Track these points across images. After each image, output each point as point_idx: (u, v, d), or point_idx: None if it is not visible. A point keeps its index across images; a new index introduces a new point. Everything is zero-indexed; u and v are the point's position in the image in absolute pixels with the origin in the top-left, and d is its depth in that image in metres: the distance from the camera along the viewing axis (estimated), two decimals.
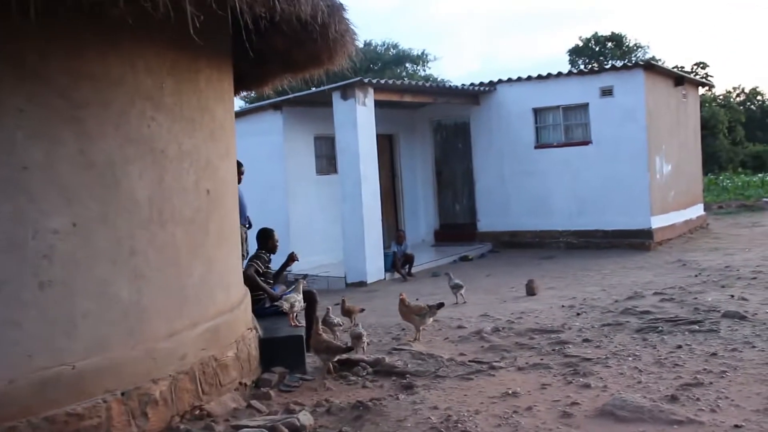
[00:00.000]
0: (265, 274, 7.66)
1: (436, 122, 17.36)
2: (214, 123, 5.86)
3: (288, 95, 13.33)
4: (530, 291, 10.48)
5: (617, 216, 14.72)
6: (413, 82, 13.84)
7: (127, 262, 4.67)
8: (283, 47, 6.48)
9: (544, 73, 15.42)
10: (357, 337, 7.13)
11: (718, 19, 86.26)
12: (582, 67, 36.87)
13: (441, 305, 7.97)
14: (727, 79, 77.82)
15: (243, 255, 8.54)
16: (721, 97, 43.26)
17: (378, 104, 14.87)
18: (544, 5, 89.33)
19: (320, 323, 7.16)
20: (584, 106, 15.06)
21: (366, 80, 12.62)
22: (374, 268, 12.87)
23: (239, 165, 9.52)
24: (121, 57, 4.69)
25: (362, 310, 9.32)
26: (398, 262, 13.36)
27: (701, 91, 20.94)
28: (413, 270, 13.57)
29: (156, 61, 5.04)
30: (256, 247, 8.04)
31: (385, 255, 13.40)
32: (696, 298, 8.84)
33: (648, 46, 49.83)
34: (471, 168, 16.70)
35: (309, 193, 14.21)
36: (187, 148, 5.43)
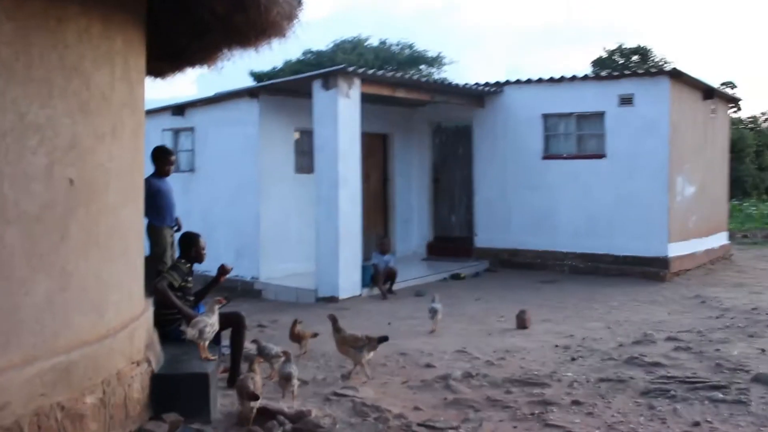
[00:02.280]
0: (182, 289, 6.17)
1: (436, 124, 15.80)
2: (88, 91, 4.38)
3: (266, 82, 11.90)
4: (521, 323, 8.93)
5: (630, 240, 13.11)
6: (407, 76, 12.31)
7: None
8: (223, 11, 5.03)
9: (557, 76, 13.84)
10: (285, 378, 5.65)
11: (749, 40, 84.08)
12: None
13: (384, 339, 6.50)
14: (755, 102, 75.61)
15: (165, 263, 7.07)
16: (749, 119, 41.48)
17: (371, 99, 13.36)
18: (569, 21, 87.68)
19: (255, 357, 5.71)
20: (600, 115, 13.47)
21: (351, 69, 11.10)
22: (348, 282, 11.33)
23: (167, 153, 8.03)
24: None
25: (315, 335, 7.82)
26: (380, 276, 11.82)
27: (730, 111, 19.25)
28: (395, 287, 12.02)
29: None
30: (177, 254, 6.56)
31: (364, 267, 11.85)
32: (718, 349, 7.26)
33: (674, 63, 48.16)
34: (471, 176, 15.13)
35: (285, 193, 12.68)
36: (34, 121, 3.96)
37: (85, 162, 4.34)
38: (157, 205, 7.28)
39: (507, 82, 14.43)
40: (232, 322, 6.19)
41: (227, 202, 12.92)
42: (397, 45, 39.24)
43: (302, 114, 11.95)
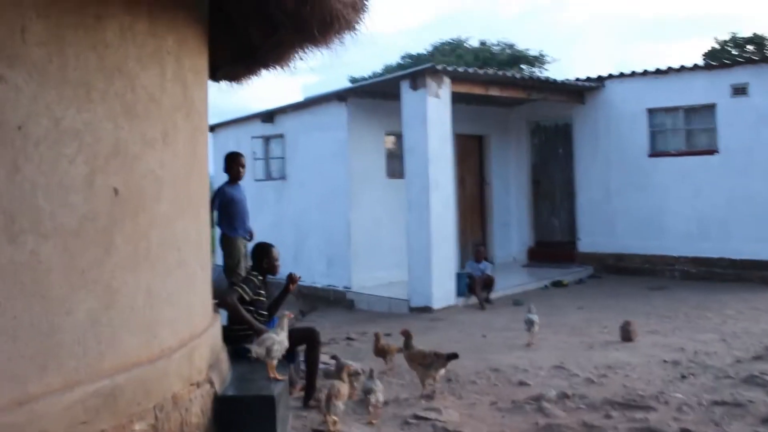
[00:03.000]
0: (254, 303, 5.81)
1: (534, 124, 15.11)
2: (133, 93, 4.07)
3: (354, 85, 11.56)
4: (626, 335, 8.21)
5: (747, 243, 12.09)
6: (500, 72, 11.69)
7: None
8: (292, 6, 4.68)
9: (663, 67, 12.93)
10: (366, 392, 5.25)
11: None
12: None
13: (453, 356, 5.97)
14: None
15: (240, 274, 6.78)
16: None
17: (465, 100, 12.88)
18: (679, 12, 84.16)
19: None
20: (710, 108, 12.50)
21: (440, 67, 10.60)
22: (442, 291, 10.83)
23: (236, 157, 7.75)
24: None
25: (401, 350, 7.35)
26: (477, 284, 11.27)
27: None
28: (492, 295, 11.43)
29: None
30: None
31: (459, 275, 11.33)
32: None
33: None
34: (572, 177, 14.36)
35: (376, 199, 12.31)
36: (71, 126, 3.66)
37: (131, 170, 4.03)
38: (230, 214, 7.03)
39: (609, 76, 13.61)
40: (305, 338, 5.82)
41: (318, 210, 12.66)
42: (497, 45, 38.45)
43: (393, 117, 11.53)
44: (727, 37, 40.13)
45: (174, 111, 4.46)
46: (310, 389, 5.75)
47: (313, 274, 12.79)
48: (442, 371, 6.05)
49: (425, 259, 10.70)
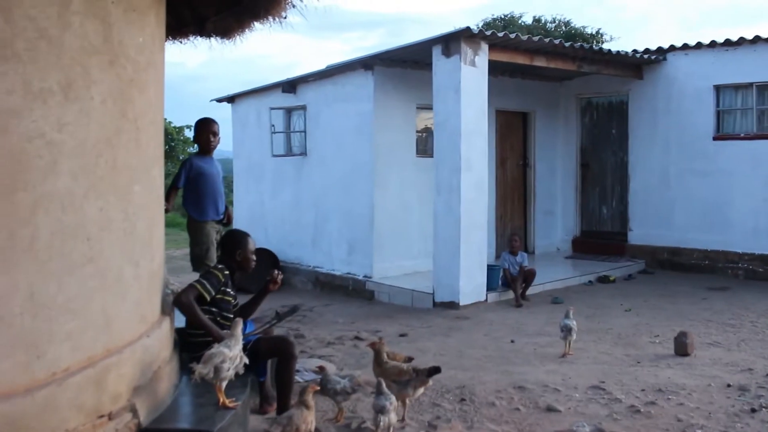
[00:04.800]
0: (217, 303, 4.70)
1: (586, 100, 13.67)
2: (11, 26, 2.98)
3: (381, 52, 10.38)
4: (681, 349, 6.91)
5: None
6: (548, 39, 10.35)
7: None
8: None
9: (734, 38, 11.41)
10: (380, 411, 4.19)
11: None
12: None
13: (435, 371, 4.75)
14: None
15: (208, 267, 5.66)
16: None
17: (508, 71, 11.62)
18: None
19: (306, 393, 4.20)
20: None
21: (476, 31, 9.30)
22: (471, 285, 9.60)
23: (207, 123, 6.58)
24: None
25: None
26: (515, 278, 10.02)
27: None
28: (528, 291, 10.17)
29: None
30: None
31: (491, 268, 10.10)
32: None
33: None
34: (626, 161, 12.94)
35: (404, 180, 11.11)
36: None
37: (3, 131, 2.94)
38: (198, 193, 5.91)
39: (671, 48, 12.10)
40: (277, 351, 4.69)
41: (340, 189, 11.52)
42: (553, 22, 36.79)
43: (425, 89, 10.26)
44: None
45: (84, 55, 3.34)
46: (282, 412, 4.63)
47: (333, 261, 11.70)
48: (422, 390, 4.87)
49: (453, 248, 9.48)
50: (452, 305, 9.45)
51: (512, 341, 7.62)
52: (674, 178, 12.22)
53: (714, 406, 5.27)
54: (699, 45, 11.80)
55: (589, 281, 11.24)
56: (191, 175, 5.96)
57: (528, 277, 10.13)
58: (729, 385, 5.79)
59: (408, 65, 10.87)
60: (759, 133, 11.32)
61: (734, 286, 10.78)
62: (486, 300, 9.80)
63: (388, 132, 10.87)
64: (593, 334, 7.76)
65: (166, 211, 5.46)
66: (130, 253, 3.82)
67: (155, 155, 4.26)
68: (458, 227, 9.45)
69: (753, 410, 5.15)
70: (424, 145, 11.44)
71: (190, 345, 4.66)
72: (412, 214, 11.15)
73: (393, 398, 4.29)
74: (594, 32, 36.38)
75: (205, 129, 6.33)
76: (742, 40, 11.25)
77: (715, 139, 11.73)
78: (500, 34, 9.60)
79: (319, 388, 4.32)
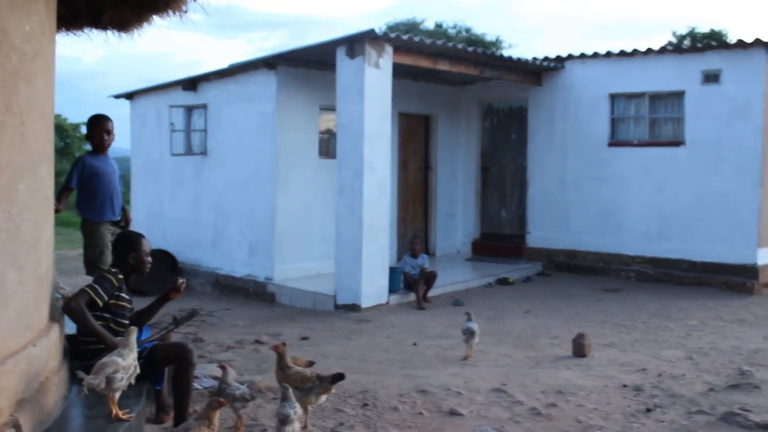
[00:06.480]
0: (110, 309, 4.47)
1: (487, 105, 13.86)
2: None
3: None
4: (578, 350, 7.05)
5: (711, 244, 11.05)
6: (451, 44, 10.41)
7: None
8: None
9: (628, 49, 11.79)
10: (282, 421, 4.02)
11: None
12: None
13: (339, 377, 4.67)
14: None
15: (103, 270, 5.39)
16: None
17: (411, 74, 11.62)
18: (635, 11, 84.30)
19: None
20: (679, 95, 11.40)
21: (380, 33, 9.27)
22: (373, 287, 9.56)
23: (100, 120, 6.31)
24: None
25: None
26: (416, 281, 10.03)
27: None
28: (430, 293, 10.21)
29: None
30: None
31: (394, 270, 10.09)
32: None
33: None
34: (525, 166, 13.19)
35: (306, 181, 10.97)
36: None
37: None
38: (92, 192, 5.63)
39: (569, 57, 12.41)
40: (174, 358, 4.49)
41: (241, 190, 11.28)
42: (454, 28, 37.36)
43: (329, 90, 10.16)
44: (684, 32, 39.43)
45: None
46: (179, 423, 4.44)
47: (234, 262, 11.44)
48: (325, 397, 4.77)
49: (355, 250, 9.42)
50: (354, 308, 9.39)
51: (414, 344, 7.60)
52: (571, 183, 12.52)
53: (611, 407, 5.36)
54: (596, 54, 12.15)
55: (490, 283, 11.39)
56: (84, 174, 5.68)
57: (429, 279, 10.17)
58: (625, 386, 5.91)
59: (312, 65, 10.74)
60: (651, 141, 11.73)
61: (627, 287, 11.12)
62: (388, 302, 9.79)
63: (290, 133, 10.72)
64: (494, 337, 7.83)
65: (57, 211, 5.18)
66: (14, 257, 3.57)
67: (43, 152, 4.01)
68: (361, 229, 9.40)
69: (648, 410, 5.27)
70: (327, 146, 11.33)
71: (82, 353, 4.42)
72: (315, 215, 11.03)
73: (297, 406, 4.16)
74: (493, 39, 37.18)
75: (99, 126, 6.05)
76: (636, 52, 11.65)
77: (609, 145, 12.09)
78: (404, 37, 9.60)
79: (227, 404, 4.14)
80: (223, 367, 4.72)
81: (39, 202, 3.94)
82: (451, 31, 37.44)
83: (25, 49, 3.65)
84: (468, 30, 37.47)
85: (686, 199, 11.31)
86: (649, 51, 11.56)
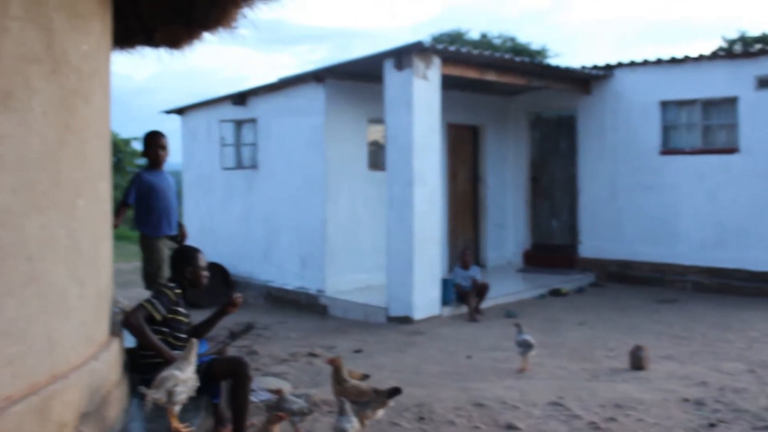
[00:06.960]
0: (168, 323, 4.51)
1: (535, 115, 13.77)
2: None
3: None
4: (636, 363, 6.91)
5: None
6: (498, 54, 10.36)
7: None
8: None
9: (679, 56, 11.59)
10: None
11: None
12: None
13: (396, 392, 4.62)
14: None
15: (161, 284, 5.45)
16: None
17: (459, 86, 11.58)
18: (683, 15, 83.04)
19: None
20: (732, 101, 11.18)
21: (428, 45, 9.26)
22: (425, 299, 9.53)
23: (156, 137, 6.41)
24: None
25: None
26: (468, 293, 9.95)
27: None
28: (482, 305, 10.12)
29: None
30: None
31: (446, 281, 10.04)
32: None
33: None
34: (575, 175, 13.04)
35: (356, 193, 11.00)
36: None
37: None
38: (149, 208, 5.71)
39: (618, 65, 12.27)
40: (231, 372, 4.51)
41: (291, 203, 11.35)
42: (499, 38, 37.18)
43: (377, 102, 10.18)
44: (735, 36, 38.66)
45: (24, 63, 3.15)
46: None
47: (285, 275, 11.50)
48: (381, 411, 4.73)
49: (406, 262, 9.40)
50: (406, 320, 9.36)
51: (468, 356, 7.54)
52: (622, 192, 12.34)
53: (673, 422, 5.24)
54: (645, 62, 11.97)
55: (542, 294, 11.26)
56: (141, 190, 5.77)
57: (481, 291, 10.08)
58: (686, 400, 5.78)
59: (359, 78, 10.78)
60: (704, 148, 11.51)
61: (683, 298, 10.90)
62: (440, 314, 9.73)
63: (339, 145, 10.77)
64: (548, 349, 7.72)
65: (115, 227, 5.26)
66: (75, 272, 3.63)
67: (101, 168, 4.08)
68: (411, 241, 9.38)
69: (711, 425, 5.14)
70: (376, 158, 11.34)
71: (141, 366, 4.47)
72: (364, 227, 11.04)
73: (355, 420, 4.15)
74: (539, 48, 36.93)
75: (154, 142, 6.16)
76: (686, 58, 11.46)
77: (661, 153, 11.89)
78: (452, 48, 9.59)
79: (286, 417, 4.14)
80: (279, 391, 4.74)
81: (98, 217, 4.00)
82: (496, 41, 37.25)
83: (83, 69, 3.71)
84: (512, 39, 37.28)
85: (742, 206, 11.06)
86: (701, 57, 11.37)
